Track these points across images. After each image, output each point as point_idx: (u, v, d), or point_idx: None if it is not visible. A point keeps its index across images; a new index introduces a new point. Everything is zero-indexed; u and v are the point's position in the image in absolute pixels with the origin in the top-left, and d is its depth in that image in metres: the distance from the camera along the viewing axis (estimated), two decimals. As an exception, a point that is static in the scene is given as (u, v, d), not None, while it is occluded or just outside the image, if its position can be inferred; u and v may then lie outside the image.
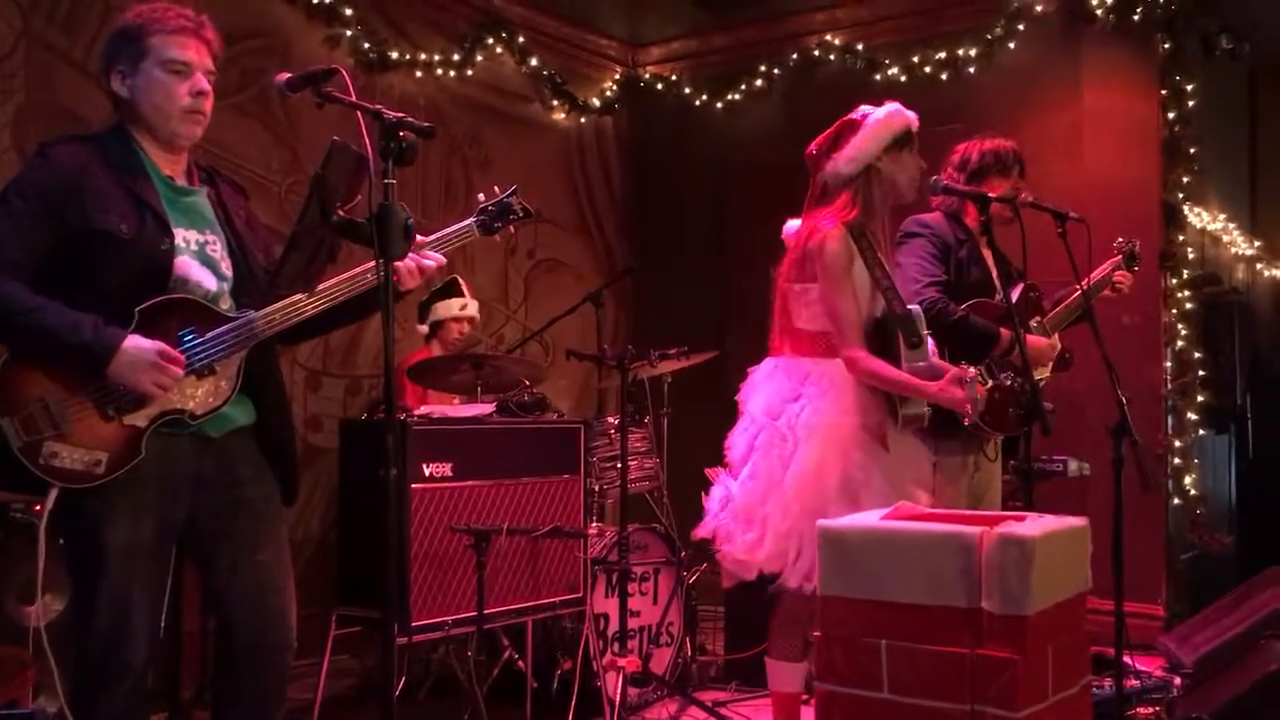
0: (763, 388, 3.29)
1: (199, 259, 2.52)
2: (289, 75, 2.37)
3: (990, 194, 3.48)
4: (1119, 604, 3.43)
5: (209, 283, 2.52)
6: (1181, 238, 5.41)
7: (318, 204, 2.31)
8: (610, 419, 4.66)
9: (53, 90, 4.45)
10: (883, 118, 3.27)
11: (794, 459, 3.12)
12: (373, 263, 2.44)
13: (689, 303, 6.67)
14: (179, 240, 2.49)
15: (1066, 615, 2.32)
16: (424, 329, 5.04)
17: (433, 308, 5.01)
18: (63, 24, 4.50)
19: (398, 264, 2.48)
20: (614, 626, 4.13)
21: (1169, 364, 5.42)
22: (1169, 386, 5.41)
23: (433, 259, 2.61)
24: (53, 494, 2.36)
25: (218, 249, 2.58)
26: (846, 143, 3.25)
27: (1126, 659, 3.84)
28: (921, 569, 2.24)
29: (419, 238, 2.58)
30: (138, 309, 2.39)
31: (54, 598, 3.55)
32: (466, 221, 2.72)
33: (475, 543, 3.58)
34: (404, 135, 2.19)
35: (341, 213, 2.29)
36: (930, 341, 3.25)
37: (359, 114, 2.22)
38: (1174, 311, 5.40)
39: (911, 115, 3.35)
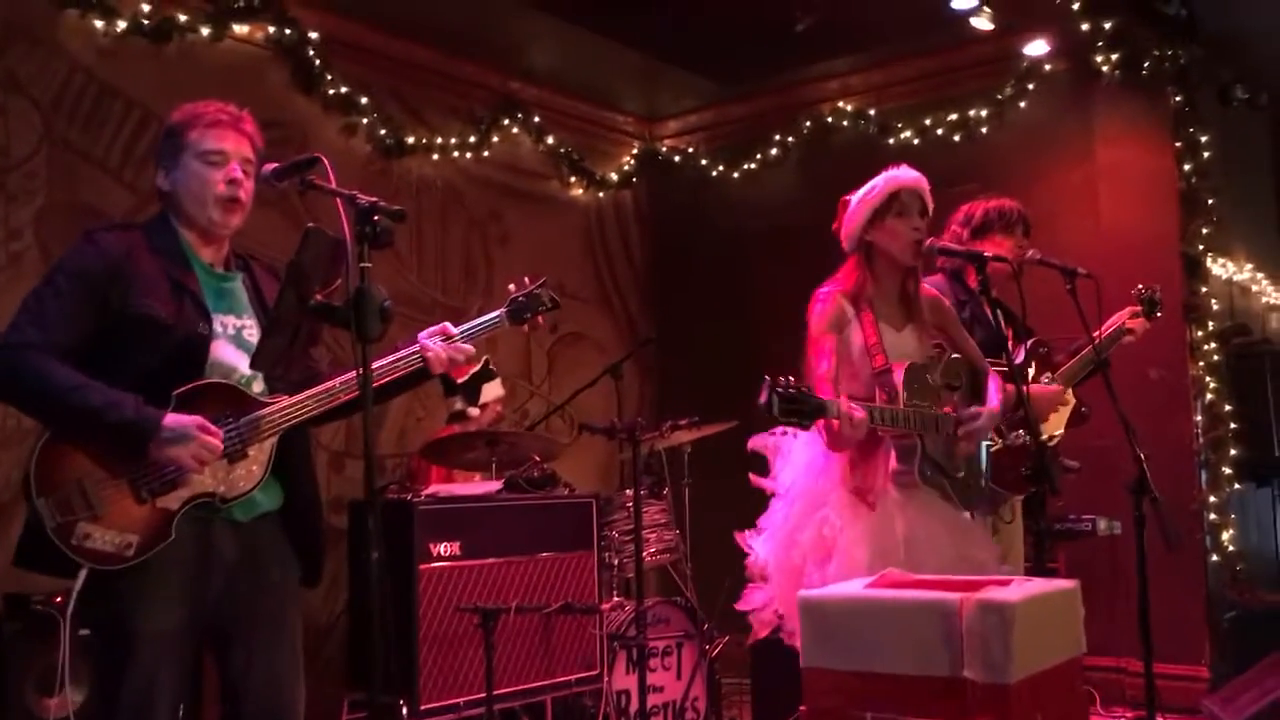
0: (794, 454, 3.34)
1: (234, 343, 2.56)
2: (274, 165, 2.43)
3: (988, 252, 3.45)
4: (1148, 665, 3.33)
5: (243, 366, 2.55)
6: (1205, 289, 5.33)
7: (293, 290, 2.35)
8: (628, 492, 4.63)
9: (74, 189, 4.58)
10: (862, 195, 3.30)
11: (781, 520, 3.19)
12: (413, 347, 2.60)
13: (712, 371, 6.62)
14: (217, 325, 2.54)
15: (1056, 682, 2.25)
16: (476, 412, 4.99)
17: (483, 389, 5.01)
18: (83, 123, 4.63)
19: (429, 352, 2.60)
20: (636, 704, 4.07)
21: (1199, 418, 5.31)
22: (1200, 441, 5.29)
23: (462, 349, 2.66)
24: (82, 575, 2.36)
25: (254, 333, 2.62)
26: (841, 222, 3.33)
27: (1164, 722, 3.72)
28: (904, 638, 2.19)
29: (449, 327, 2.66)
30: (175, 393, 2.42)
31: (74, 688, 3.56)
32: (496, 313, 2.77)
33: (482, 622, 3.56)
34: (377, 220, 2.23)
35: (319, 297, 2.33)
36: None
37: (337, 201, 2.27)
38: (1201, 364, 5.30)
39: (901, 179, 3.30)
